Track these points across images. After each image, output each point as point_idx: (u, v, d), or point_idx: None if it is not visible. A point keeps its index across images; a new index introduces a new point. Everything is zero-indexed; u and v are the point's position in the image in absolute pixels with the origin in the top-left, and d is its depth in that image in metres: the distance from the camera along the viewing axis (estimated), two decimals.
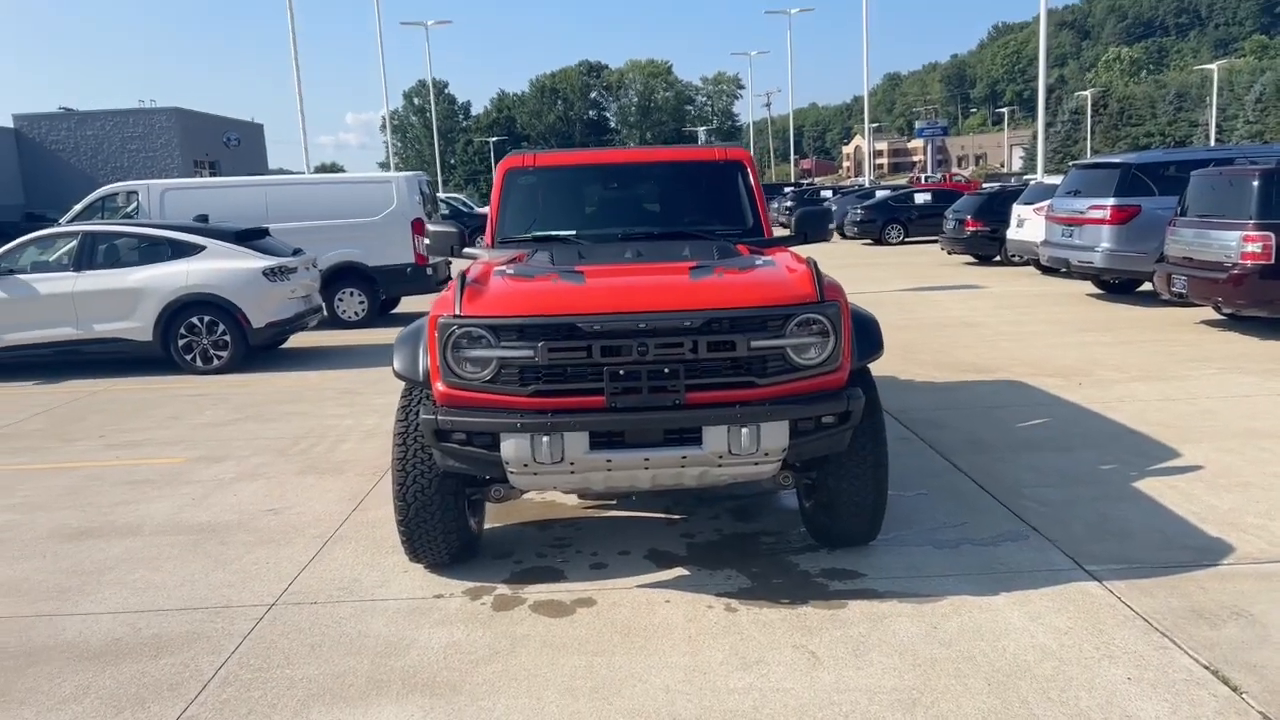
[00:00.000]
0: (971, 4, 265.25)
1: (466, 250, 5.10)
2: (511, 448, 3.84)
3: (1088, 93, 62.42)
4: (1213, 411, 6.75)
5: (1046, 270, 16.16)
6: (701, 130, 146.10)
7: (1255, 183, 9.27)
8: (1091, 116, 79.46)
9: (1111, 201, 11.75)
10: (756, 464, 3.93)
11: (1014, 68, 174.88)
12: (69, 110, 37.22)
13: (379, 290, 13.29)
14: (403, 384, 4.39)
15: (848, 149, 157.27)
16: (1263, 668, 3.30)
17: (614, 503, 5.27)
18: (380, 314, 13.48)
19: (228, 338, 9.92)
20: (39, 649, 3.81)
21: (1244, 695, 3.13)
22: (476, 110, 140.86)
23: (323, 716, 3.24)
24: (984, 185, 34.18)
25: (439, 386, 3.96)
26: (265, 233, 10.84)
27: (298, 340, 11.57)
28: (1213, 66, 56.03)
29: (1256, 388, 7.46)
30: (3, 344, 9.87)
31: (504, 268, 4.27)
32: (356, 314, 13.19)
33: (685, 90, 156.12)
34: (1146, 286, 12.92)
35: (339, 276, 12.93)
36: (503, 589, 4.23)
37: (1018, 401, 7.39)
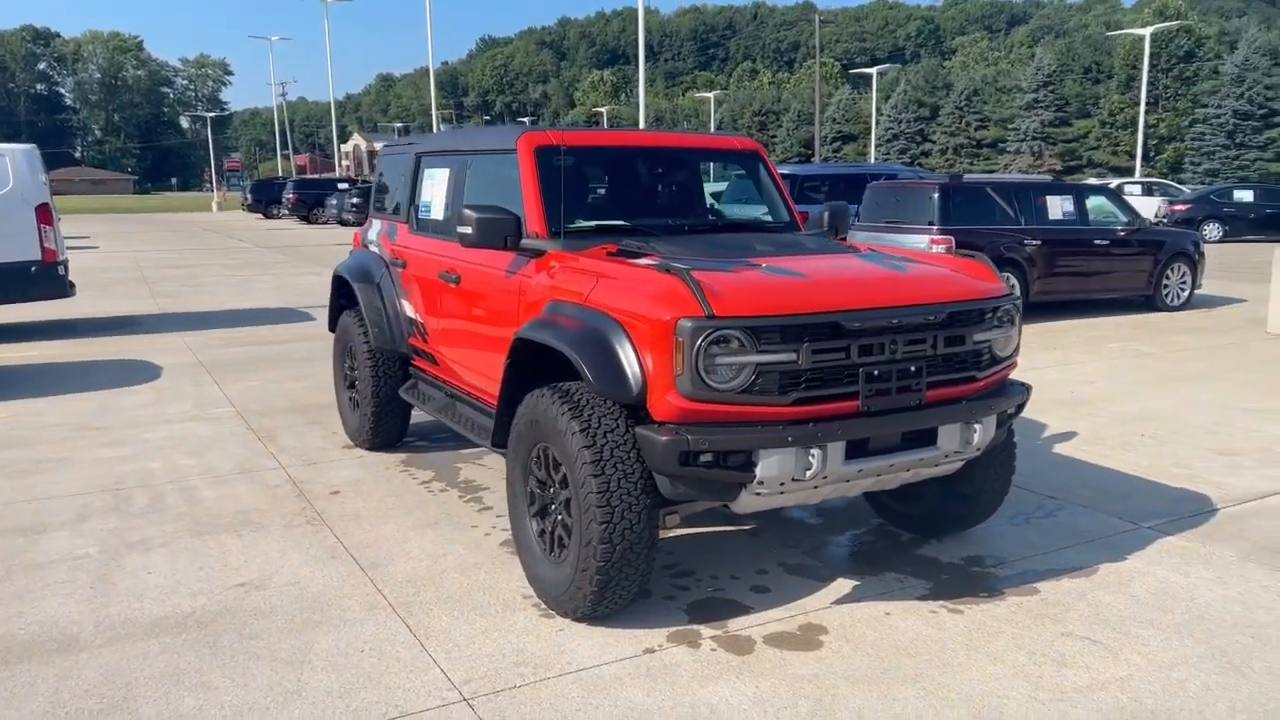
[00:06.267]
0: (460, 16, 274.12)
1: (526, 243, 4.26)
2: (774, 465, 3.38)
3: (604, 109, 68.85)
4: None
5: None
6: (185, 117, 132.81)
7: (935, 195, 11.07)
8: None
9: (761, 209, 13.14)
10: (963, 460, 3.91)
11: (502, 79, 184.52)
12: None
13: None
14: (558, 401, 3.56)
15: (347, 147, 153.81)
16: None
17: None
18: None
19: None
20: None
21: None
22: None
23: None
24: None
25: (672, 400, 3.33)
26: None
27: None
28: (709, 95, 64.58)
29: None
30: None
31: (674, 264, 3.61)
32: None
33: (161, 70, 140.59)
34: None
35: None
36: (706, 629, 3.67)
37: None
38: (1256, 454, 6.02)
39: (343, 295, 6.24)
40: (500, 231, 4.19)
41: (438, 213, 5.32)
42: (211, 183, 76.35)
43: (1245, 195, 26.62)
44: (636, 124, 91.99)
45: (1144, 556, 4.39)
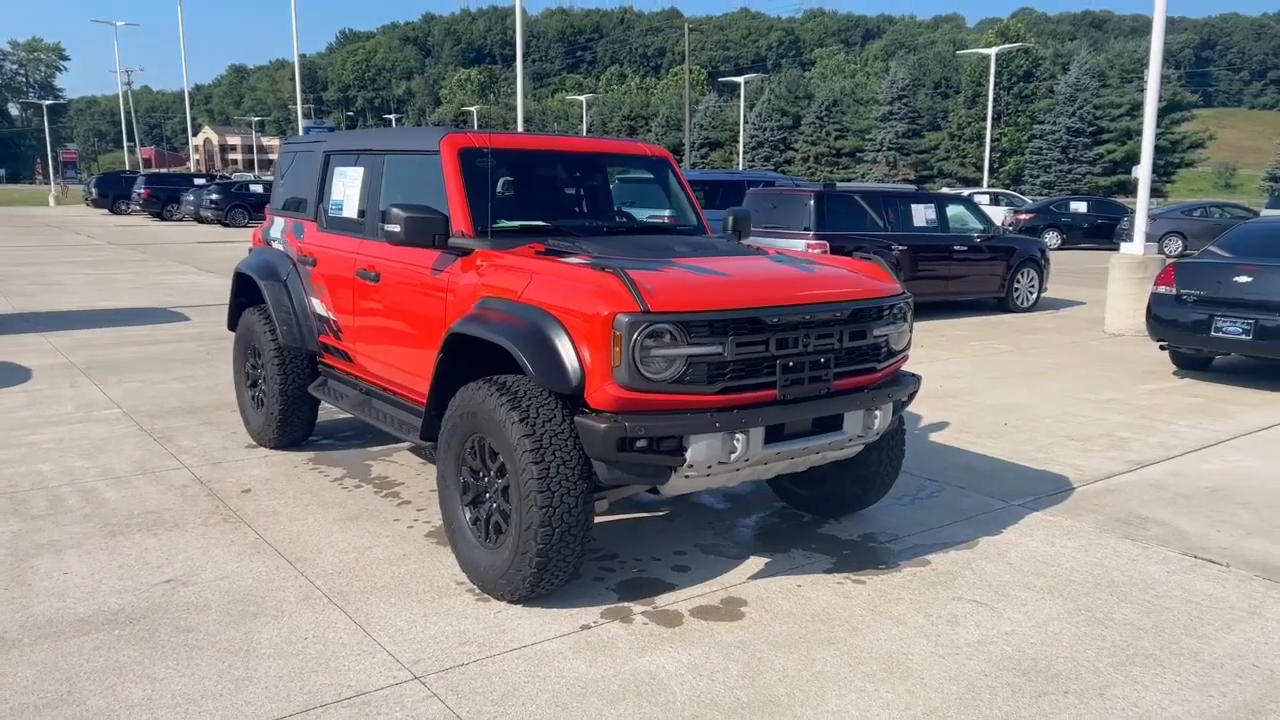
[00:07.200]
0: (318, 8, 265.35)
1: (454, 241, 4.40)
2: (703, 449, 3.67)
3: (474, 109, 68.17)
4: None
5: None
6: (15, 104, 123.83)
7: (810, 203, 11.65)
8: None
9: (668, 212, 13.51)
10: (864, 444, 4.29)
11: (364, 75, 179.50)
12: None
13: None
14: (505, 395, 3.74)
15: (197, 140, 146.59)
16: (1159, 530, 4.70)
17: None
18: None
19: None
20: None
21: (1229, 566, 4.46)
22: None
23: None
24: None
25: (609, 390, 3.57)
26: None
27: None
28: (580, 98, 64.78)
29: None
30: None
31: (609, 262, 3.85)
32: None
33: None
34: None
35: None
36: (636, 606, 3.92)
37: None
38: (1102, 439, 6.69)
39: (244, 293, 6.18)
40: (429, 230, 4.33)
41: (350, 211, 5.37)
42: (47, 175, 71.57)
43: (1080, 206, 28.77)
44: (507, 125, 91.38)
45: (1016, 530, 4.88)
